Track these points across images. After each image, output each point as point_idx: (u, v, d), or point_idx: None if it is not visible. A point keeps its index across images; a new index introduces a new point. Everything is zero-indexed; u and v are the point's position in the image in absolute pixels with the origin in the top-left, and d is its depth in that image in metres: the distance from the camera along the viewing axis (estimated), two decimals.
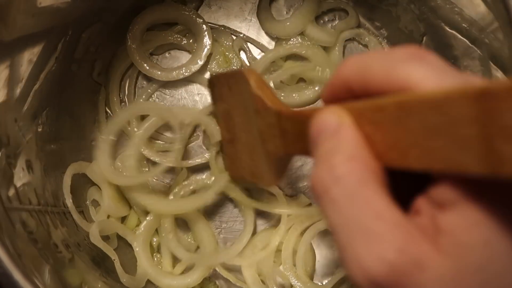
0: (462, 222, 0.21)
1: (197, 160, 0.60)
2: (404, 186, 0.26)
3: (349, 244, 0.23)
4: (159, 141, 0.62)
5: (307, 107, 0.42)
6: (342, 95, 0.28)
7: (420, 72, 0.23)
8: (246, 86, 0.43)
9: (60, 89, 0.57)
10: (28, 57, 0.48)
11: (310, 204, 0.60)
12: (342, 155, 0.24)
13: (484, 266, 0.21)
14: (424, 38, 0.57)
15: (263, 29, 0.64)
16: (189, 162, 0.60)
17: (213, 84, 0.55)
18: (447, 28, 0.52)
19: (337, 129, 0.25)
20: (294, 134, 0.36)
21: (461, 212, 0.21)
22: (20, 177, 0.48)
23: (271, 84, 0.61)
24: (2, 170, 0.44)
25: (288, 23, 0.62)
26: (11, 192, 0.45)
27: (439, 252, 0.21)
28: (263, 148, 0.43)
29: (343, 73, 0.27)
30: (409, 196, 0.25)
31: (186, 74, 0.61)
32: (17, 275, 0.38)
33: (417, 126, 0.22)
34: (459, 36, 0.50)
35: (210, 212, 0.61)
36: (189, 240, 0.60)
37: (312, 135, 0.27)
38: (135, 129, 0.59)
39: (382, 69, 0.24)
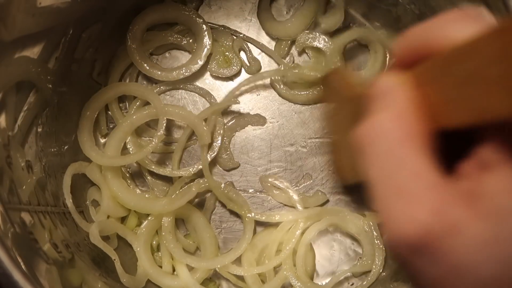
0: (504, 185, 0.21)
1: (191, 169, 0.59)
2: (454, 156, 0.26)
3: (385, 201, 0.23)
4: (144, 137, 0.62)
5: None
6: (411, 62, 0.27)
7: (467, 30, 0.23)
8: (337, 82, 0.46)
9: (60, 89, 0.56)
10: (27, 57, 0.48)
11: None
12: (390, 112, 0.24)
13: None
14: None
15: (264, 29, 0.64)
16: (181, 173, 0.59)
17: (325, 83, 0.56)
18: None
19: (390, 90, 0.26)
20: None
21: (504, 174, 0.21)
22: (20, 176, 0.48)
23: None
24: (2, 170, 0.44)
25: (289, 24, 0.62)
26: (11, 192, 0.45)
27: (477, 216, 0.21)
28: None
29: (410, 38, 0.27)
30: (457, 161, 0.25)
31: (186, 74, 0.61)
32: (17, 275, 0.38)
33: (460, 76, 0.22)
34: None
35: (210, 212, 0.61)
36: (188, 241, 0.60)
37: (370, 98, 0.27)
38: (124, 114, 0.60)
39: (463, 33, 0.24)
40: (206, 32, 0.61)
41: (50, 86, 0.54)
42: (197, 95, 0.63)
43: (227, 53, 0.62)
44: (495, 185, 0.21)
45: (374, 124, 0.25)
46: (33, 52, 0.49)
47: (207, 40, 0.61)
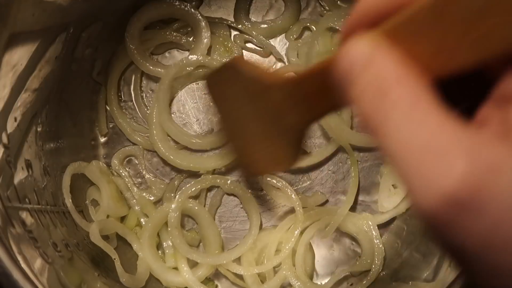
0: None
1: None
2: (467, 99, 0.25)
3: (414, 167, 0.21)
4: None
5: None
6: (367, 26, 0.25)
7: None
8: (241, 73, 0.42)
9: (60, 89, 0.56)
10: (28, 56, 0.48)
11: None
12: (388, 80, 0.22)
13: None
14: None
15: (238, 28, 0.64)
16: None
17: (210, 85, 0.54)
18: None
19: (370, 56, 0.23)
20: (316, 92, 0.34)
21: None
22: (20, 176, 0.48)
23: None
24: (2, 169, 0.44)
25: (272, 24, 0.62)
26: (11, 191, 0.45)
27: None
28: (281, 126, 0.41)
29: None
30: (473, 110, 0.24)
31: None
32: (17, 275, 0.38)
33: (458, 15, 0.20)
34: None
35: (210, 211, 0.61)
36: (191, 235, 0.60)
37: (342, 74, 0.25)
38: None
39: None
40: (203, 23, 0.61)
41: (50, 84, 0.54)
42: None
43: (225, 43, 0.62)
44: None
45: (380, 100, 0.22)
46: (33, 51, 0.49)
47: (206, 32, 0.61)
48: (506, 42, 0.20)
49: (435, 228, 0.21)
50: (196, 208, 0.59)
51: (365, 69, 0.23)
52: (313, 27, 0.62)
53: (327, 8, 0.63)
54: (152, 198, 0.60)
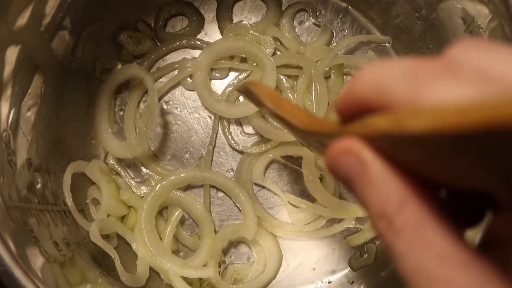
0: None
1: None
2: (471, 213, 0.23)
3: None
4: None
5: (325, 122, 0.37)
6: (358, 110, 0.24)
7: (454, 91, 0.19)
8: (257, 96, 0.39)
9: (60, 88, 0.56)
10: (28, 56, 0.48)
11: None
12: (390, 203, 0.21)
13: None
14: (425, 36, 0.57)
15: (219, 29, 0.64)
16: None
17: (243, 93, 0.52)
18: (448, 26, 0.52)
19: (363, 170, 0.22)
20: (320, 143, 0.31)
21: None
22: (21, 175, 0.48)
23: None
24: (3, 168, 0.44)
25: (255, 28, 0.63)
26: (12, 190, 0.45)
27: None
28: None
29: (358, 90, 0.23)
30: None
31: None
32: (18, 273, 0.38)
33: (440, 153, 0.19)
34: (459, 34, 0.50)
35: (210, 211, 0.61)
36: (194, 240, 0.60)
37: (341, 177, 0.24)
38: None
39: (406, 93, 0.20)
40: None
41: (51, 84, 0.54)
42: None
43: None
44: None
45: (387, 227, 0.22)
46: (33, 50, 0.49)
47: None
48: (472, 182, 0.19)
49: None
50: (182, 195, 0.59)
51: (361, 184, 0.23)
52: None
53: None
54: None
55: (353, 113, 0.24)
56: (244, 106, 0.59)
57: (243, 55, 0.62)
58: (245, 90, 0.43)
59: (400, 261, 0.21)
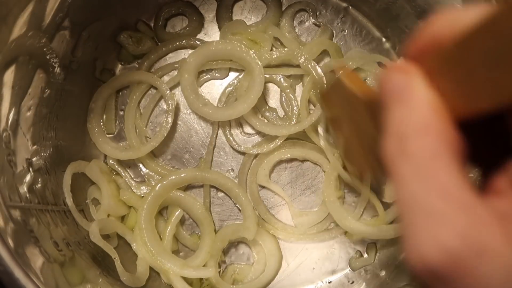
0: None
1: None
2: (488, 162, 0.24)
3: (410, 224, 0.21)
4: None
5: None
6: (429, 53, 0.24)
7: None
8: (345, 88, 0.42)
9: (60, 88, 0.56)
10: (28, 55, 0.48)
11: None
12: (415, 126, 0.22)
13: None
14: None
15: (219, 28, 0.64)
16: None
17: (324, 98, 0.54)
18: None
19: (407, 89, 0.23)
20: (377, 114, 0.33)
21: None
22: (21, 175, 0.48)
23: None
24: (3, 168, 0.44)
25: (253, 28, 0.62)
26: (12, 190, 0.45)
27: (509, 240, 0.19)
28: (372, 139, 0.40)
29: (433, 27, 0.24)
30: (492, 173, 0.23)
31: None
32: (18, 273, 0.38)
33: (478, 59, 0.21)
34: None
35: (210, 211, 0.61)
36: (193, 240, 0.60)
37: (382, 98, 0.24)
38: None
39: (477, 17, 0.21)
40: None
41: (51, 84, 0.54)
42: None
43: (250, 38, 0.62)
44: None
45: (399, 144, 0.22)
46: (34, 49, 0.49)
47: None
48: None
49: (419, 281, 0.22)
50: (182, 195, 0.59)
51: (398, 102, 0.23)
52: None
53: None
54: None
55: (422, 54, 0.24)
56: (232, 109, 0.59)
57: (231, 60, 0.62)
58: (334, 84, 0.45)
59: (401, 186, 0.21)
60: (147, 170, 0.62)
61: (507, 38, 0.19)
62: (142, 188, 0.61)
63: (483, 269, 0.19)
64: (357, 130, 0.44)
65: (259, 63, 0.59)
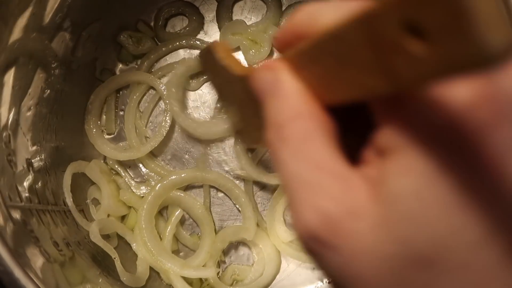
0: (397, 169, 0.21)
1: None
2: (358, 137, 0.26)
3: (293, 198, 0.23)
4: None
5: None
6: (293, 43, 0.27)
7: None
8: (217, 59, 0.43)
9: (60, 88, 0.56)
10: (28, 55, 0.48)
11: None
12: (287, 114, 0.24)
13: (415, 215, 0.20)
14: None
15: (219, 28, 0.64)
16: None
17: (202, 61, 0.53)
18: None
19: (276, 84, 0.25)
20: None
21: (398, 159, 0.21)
22: (21, 175, 0.48)
23: None
24: (3, 167, 0.44)
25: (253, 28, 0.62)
26: (12, 190, 0.45)
27: (375, 201, 0.21)
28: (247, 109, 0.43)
29: (294, 20, 0.26)
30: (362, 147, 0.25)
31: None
32: (18, 273, 0.38)
33: (329, 60, 0.23)
34: None
35: (210, 211, 0.61)
36: (194, 240, 0.60)
37: (256, 96, 0.27)
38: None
39: (333, 18, 0.23)
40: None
41: (51, 84, 0.54)
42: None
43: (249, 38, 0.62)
44: (391, 169, 0.21)
45: (276, 132, 0.25)
46: (34, 49, 0.49)
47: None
48: (362, 89, 0.22)
49: (307, 252, 0.24)
50: (182, 195, 0.59)
51: (270, 97, 0.26)
52: None
53: None
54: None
55: (288, 45, 0.27)
56: (215, 127, 0.59)
57: None
58: (206, 53, 0.46)
59: (282, 168, 0.24)
60: (147, 170, 0.62)
61: (351, 45, 0.21)
62: (142, 188, 0.61)
63: (355, 227, 0.21)
64: (237, 103, 0.45)
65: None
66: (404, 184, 0.20)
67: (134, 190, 0.61)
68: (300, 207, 0.22)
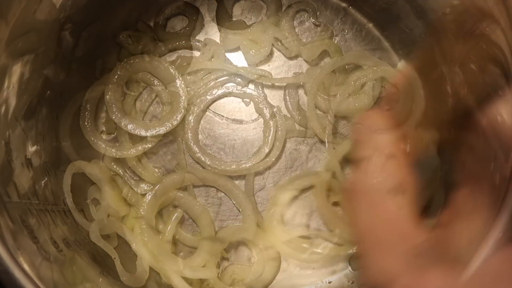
0: (468, 237, 0.21)
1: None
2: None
3: (364, 250, 0.24)
4: None
5: None
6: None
7: None
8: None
9: (60, 88, 0.57)
10: (28, 55, 0.48)
11: None
12: (377, 161, 0.25)
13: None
14: (425, 36, 0.57)
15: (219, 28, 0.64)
16: None
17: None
18: None
19: (372, 134, 0.26)
20: None
21: (469, 225, 0.22)
22: (21, 175, 0.48)
23: None
24: (2, 167, 0.44)
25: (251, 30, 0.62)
26: (11, 189, 0.45)
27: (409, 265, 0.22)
28: None
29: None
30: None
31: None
32: (18, 273, 0.38)
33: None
34: None
35: (210, 211, 0.61)
36: (195, 237, 0.60)
37: (355, 141, 0.28)
38: None
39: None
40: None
41: (51, 84, 0.54)
42: None
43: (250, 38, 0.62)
44: (460, 234, 0.22)
45: (364, 176, 0.25)
46: (34, 49, 0.49)
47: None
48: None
49: None
50: (180, 194, 0.59)
51: (365, 143, 0.27)
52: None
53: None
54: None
55: None
56: None
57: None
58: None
59: (357, 215, 0.26)
60: (146, 170, 0.61)
61: None
62: (142, 186, 0.61)
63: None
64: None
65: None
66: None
67: (134, 188, 0.60)
68: (372, 264, 0.24)
